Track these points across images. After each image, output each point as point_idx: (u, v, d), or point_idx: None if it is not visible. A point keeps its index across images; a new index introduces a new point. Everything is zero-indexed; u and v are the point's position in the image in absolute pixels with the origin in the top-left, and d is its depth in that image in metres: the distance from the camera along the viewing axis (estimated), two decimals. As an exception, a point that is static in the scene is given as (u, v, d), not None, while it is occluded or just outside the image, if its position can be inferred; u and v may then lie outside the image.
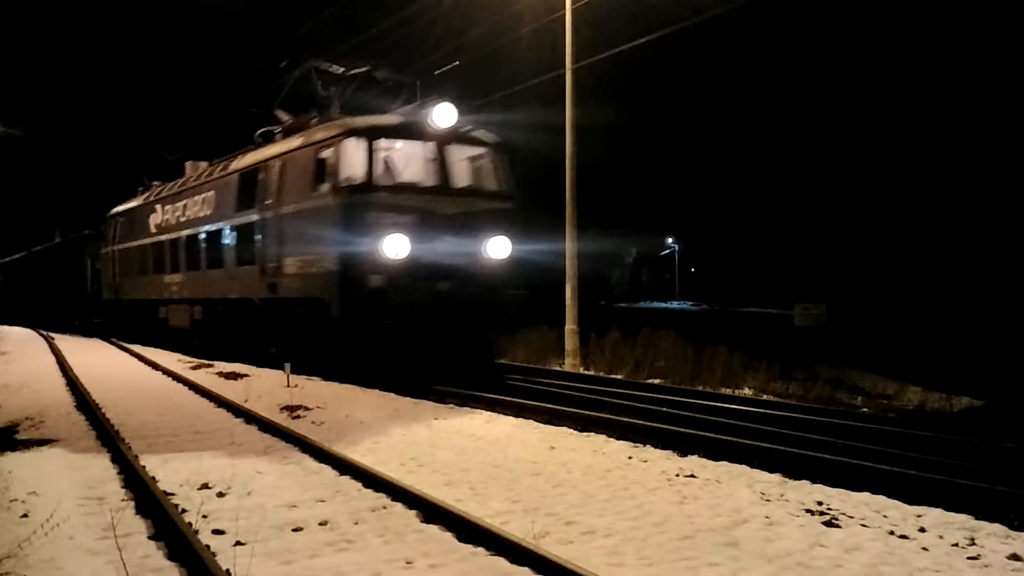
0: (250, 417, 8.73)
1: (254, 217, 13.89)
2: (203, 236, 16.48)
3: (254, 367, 14.34)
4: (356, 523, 4.94)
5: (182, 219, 17.92)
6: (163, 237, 19.18)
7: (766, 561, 4.18)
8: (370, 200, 11.24)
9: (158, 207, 19.87)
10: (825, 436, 7.36)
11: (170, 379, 12.99)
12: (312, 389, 11.17)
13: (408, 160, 11.94)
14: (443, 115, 11.73)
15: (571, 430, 7.98)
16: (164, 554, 4.45)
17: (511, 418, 8.74)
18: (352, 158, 11.45)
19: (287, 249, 12.63)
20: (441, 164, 11.80)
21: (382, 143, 11.69)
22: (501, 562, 4.23)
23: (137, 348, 19.91)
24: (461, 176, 12.18)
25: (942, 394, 10.50)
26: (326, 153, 11.80)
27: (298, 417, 8.91)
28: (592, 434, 7.74)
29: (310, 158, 12.17)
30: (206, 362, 15.77)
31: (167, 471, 6.34)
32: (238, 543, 4.55)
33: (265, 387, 11.41)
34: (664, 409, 8.95)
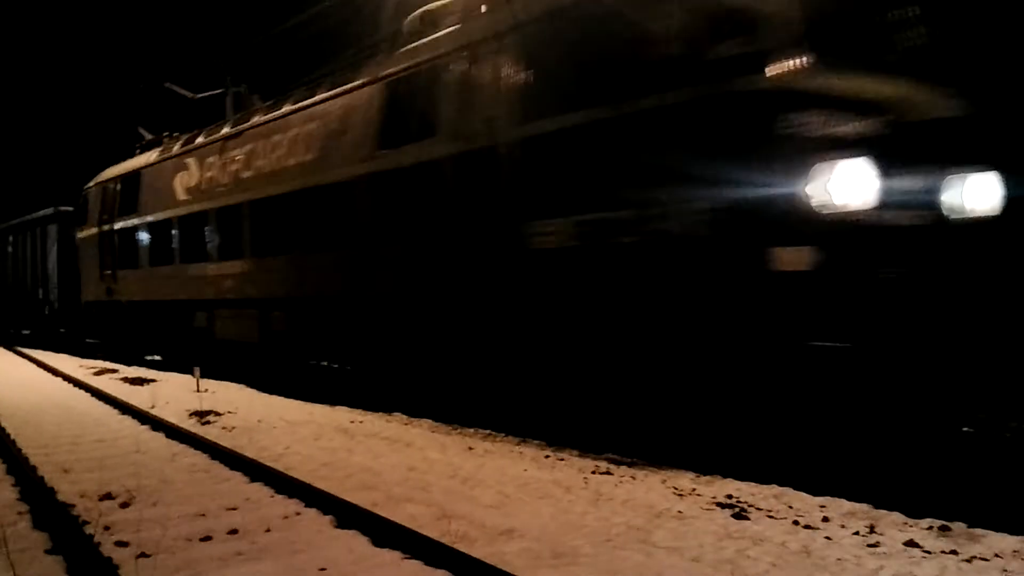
0: (157, 423, 8.44)
1: (436, 151, 8.02)
2: (294, 199, 10.35)
3: (161, 372, 13.91)
4: (268, 530, 4.82)
5: (245, 175, 11.59)
6: (205, 206, 12.60)
7: (679, 556, 4.26)
8: (801, 88, 5.45)
9: (191, 163, 13.25)
10: (737, 429, 7.55)
11: (71, 385, 12.48)
12: (224, 394, 10.88)
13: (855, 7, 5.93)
14: None
15: (489, 430, 7.98)
16: (63, 568, 4.25)
17: (428, 420, 8.69)
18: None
19: (543, 203, 6.93)
20: (917, 17, 6.00)
21: None
22: (418, 565, 4.19)
23: (35, 353, 19.09)
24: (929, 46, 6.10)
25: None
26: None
27: (208, 423, 8.66)
28: (509, 434, 7.75)
29: (615, 16, 6.40)
30: (110, 367, 15.22)
31: (67, 482, 6.07)
32: (142, 555, 4.38)
33: (173, 392, 11.08)
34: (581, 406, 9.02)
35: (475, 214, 7.58)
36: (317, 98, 10.24)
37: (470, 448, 7.12)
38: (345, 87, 9.74)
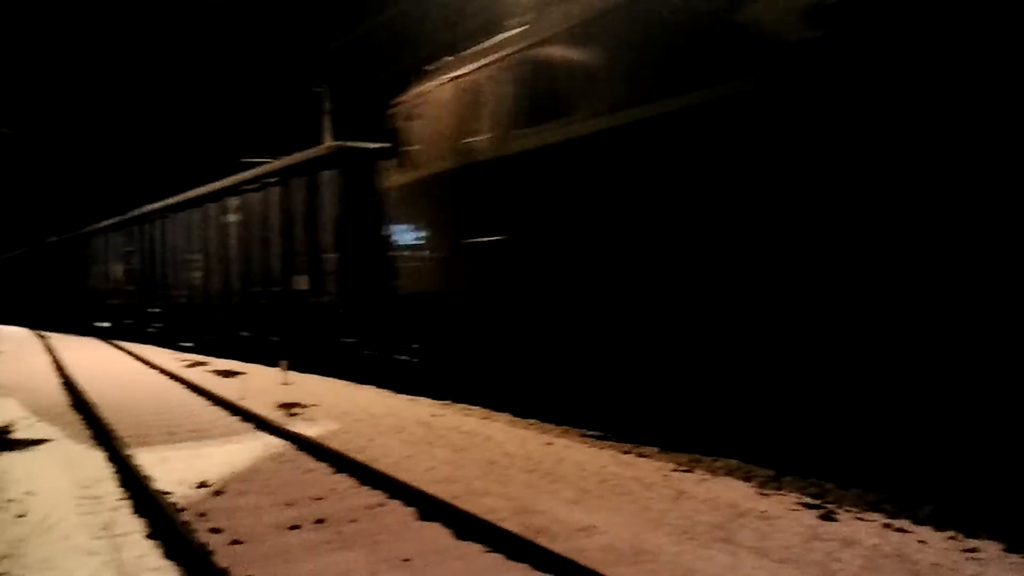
0: (246, 415, 8.72)
1: None
2: None
3: (249, 364, 14.33)
4: (353, 521, 4.94)
5: None
6: None
7: (762, 556, 4.19)
8: None
9: None
10: (822, 426, 7.34)
11: (166, 377, 12.97)
12: (307, 386, 11.16)
13: None
14: None
15: (567, 426, 7.97)
16: (161, 553, 4.43)
17: (506, 415, 8.72)
18: None
19: None
20: None
21: None
22: (499, 558, 4.22)
23: (130, 346, 19.94)
24: None
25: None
26: None
27: (294, 414, 8.90)
28: (587, 429, 7.73)
29: None
30: (201, 359, 15.77)
31: (163, 469, 6.33)
32: (235, 542, 4.54)
33: (260, 384, 11.41)
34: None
35: None
36: None
37: (548, 443, 7.13)
38: None
